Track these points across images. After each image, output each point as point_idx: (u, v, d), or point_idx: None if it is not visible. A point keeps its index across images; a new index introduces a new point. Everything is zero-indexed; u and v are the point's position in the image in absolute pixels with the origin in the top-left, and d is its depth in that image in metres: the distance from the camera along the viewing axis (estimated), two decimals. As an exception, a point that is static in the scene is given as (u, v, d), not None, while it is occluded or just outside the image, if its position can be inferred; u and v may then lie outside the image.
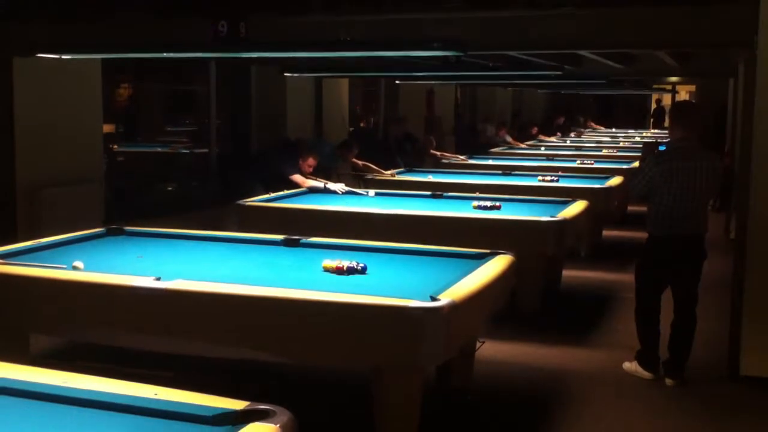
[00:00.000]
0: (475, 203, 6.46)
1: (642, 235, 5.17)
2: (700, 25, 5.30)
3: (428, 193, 7.23)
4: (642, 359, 4.91)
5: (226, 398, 2.28)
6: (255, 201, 6.53)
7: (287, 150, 7.72)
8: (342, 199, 6.92)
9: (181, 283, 3.72)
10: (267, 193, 6.86)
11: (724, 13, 5.10)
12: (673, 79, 16.26)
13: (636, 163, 8.83)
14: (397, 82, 12.66)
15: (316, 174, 7.66)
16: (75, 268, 4.03)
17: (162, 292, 3.67)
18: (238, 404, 2.24)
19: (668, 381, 4.80)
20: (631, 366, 4.95)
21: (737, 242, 4.94)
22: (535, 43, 5.94)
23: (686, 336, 4.87)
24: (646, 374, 4.88)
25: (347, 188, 7.27)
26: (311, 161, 7.48)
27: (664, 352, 4.89)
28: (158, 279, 3.74)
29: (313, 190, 7.25)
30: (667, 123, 18.29)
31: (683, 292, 4.86)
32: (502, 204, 6.52)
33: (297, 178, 7.32)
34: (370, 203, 6.69)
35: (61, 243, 4.73)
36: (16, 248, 4.47)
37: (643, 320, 4.96)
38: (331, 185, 7.25)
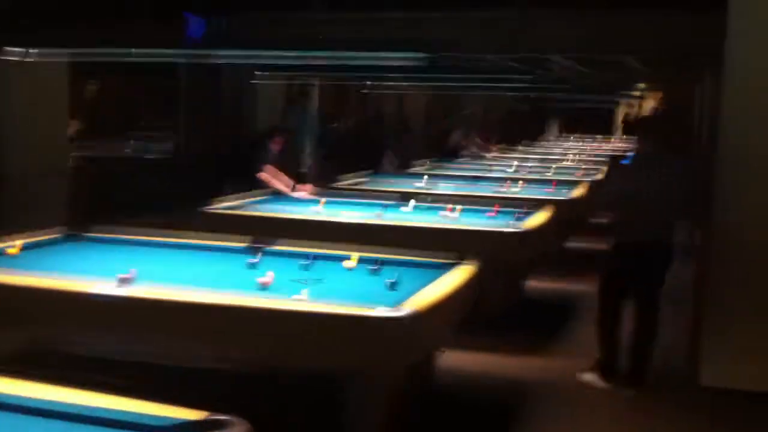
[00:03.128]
0: (443, 212, 6.46)
1: (603, 246, 5.23)
2: (668, 32, 5.37)
3: (392, 201, 7.22)
4: (601, 369, 4.96)
5: (183, 408, 2.25)
6: (218, 207, 6.48)
7: (258, 143, 7.70)
8: (305, 206, 6.88)
9: (142, 289, 3.69)
10: (233, 191, 6.84)
11: (691, 20, 5.17)
12: (640, 86, 16.45)
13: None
14: (367, 84, 12.65)
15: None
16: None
17: (123, 297, 3.63)
18: (196, 414, 2.22)
19: (627, 391, 4.85)
20: (589, 376, 4.99)
21: (699, 250, 5.01)
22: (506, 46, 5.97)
23: (645, 344, 4.92)
24: (604, 384, 4.92)
25: (309, 195, 7.25)
26: (277, 140, 7.47)
27: (624, 361, 4.94)
28: (119, 284, 3.70)
29: (277, 193, 7.22)
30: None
31: (644, 299, 4.91)
32: (464, 211, 6.55)
33: (263, 176, 7.29)
34: (333, 210, 6.66)
35: (25, 246, 4.65)
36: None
37: (603, 328, 5.01)
38: (296, 193, 7.24)
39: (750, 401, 4.64)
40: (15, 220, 5.83)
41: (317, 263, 4.56)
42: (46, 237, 4.92)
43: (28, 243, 4.72)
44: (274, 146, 7.49)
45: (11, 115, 6.34)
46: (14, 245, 4.02)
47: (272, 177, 7.36)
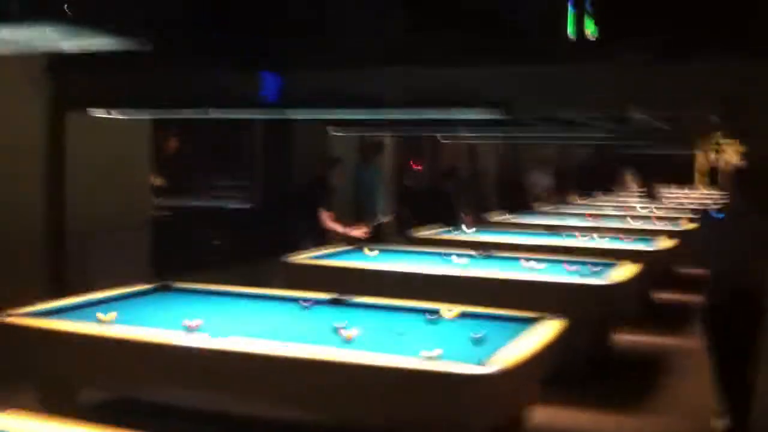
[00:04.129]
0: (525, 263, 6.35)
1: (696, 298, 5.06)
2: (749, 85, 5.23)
3: (473, 252, 7.15)
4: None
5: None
6: (300, 258, 6.52)
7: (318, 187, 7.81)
8: (387, 258, 6.87)
9: (231, 342, 3.70)
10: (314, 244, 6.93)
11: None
12: (719, 136, 16.03)
13: None
14: (441, 139, 12.68)
15: None
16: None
17: (213, 350, 3.65)
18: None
19: None
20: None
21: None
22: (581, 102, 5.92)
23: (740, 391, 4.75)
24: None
25: (363, 234, 7.31)
26: (339, 173, 7.71)
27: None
28: (209, 337, 3.73)
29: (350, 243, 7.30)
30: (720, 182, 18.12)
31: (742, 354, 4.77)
32: (547, 264, 6.44)
33: (324, 215, 7.42)
34: (416, 262, 6.61)
35: (110, 299, 4.75)
36: (64, 304, 4.49)
37: (720, 381, 4.83)
38: (353, 231, 7.33)
39: None
40: (103, 271, 5.96)
41: (399, 316, 4.51)
42: (134, 289, 5.02)
43: (118, 295, 4.82)
44: (338, 179, 7.63)
45: (96, 169, 6.54)
46: (109, 316, 4.14)
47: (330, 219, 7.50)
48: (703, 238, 4.89)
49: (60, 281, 5.95)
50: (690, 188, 21.37)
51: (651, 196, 16.33)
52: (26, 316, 4.16)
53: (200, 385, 3.73)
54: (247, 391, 3.67)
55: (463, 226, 9.20)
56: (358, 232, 7.44)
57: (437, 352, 3.53)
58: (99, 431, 2.49)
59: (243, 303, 4.92)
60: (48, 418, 2.65)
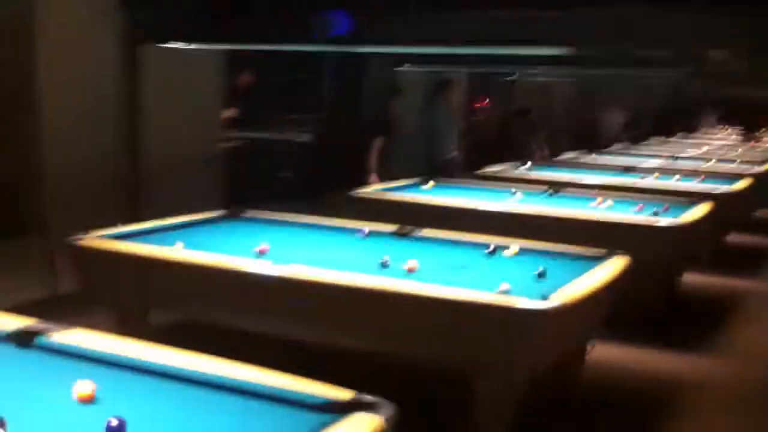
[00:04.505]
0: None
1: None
2: None
3: (543, 189, 7.08)
4: None
5: (332, 387, 2.28)
6: (365, 191, 6.58)
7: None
8: (452, 193, 6.86)
9: (294, 269, 3.79)
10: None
11: None
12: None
13: None
14: (508, 78, 12.47)
15: None
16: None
17: (276, 277, 3.74)
18: (344, 394, 2.24)
19: None
20: None
21: None
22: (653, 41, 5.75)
23: None
24: None
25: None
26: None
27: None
28: (273, 263, 3.82)
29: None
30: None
31: None
32: (618, 203, 6.33)
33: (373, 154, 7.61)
34: (481, 198, 6.59)
35: (182, 225, 4.89)
36: (139, 229, 4.64)
37: None
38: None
39: None
40: (175, 203, 6.13)
41: (461, 250, 4.52)
42: (206, 216, 5.16)
43: (189, 221, 4.97)
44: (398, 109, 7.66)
45: (173, 101, 6.66)
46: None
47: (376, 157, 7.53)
48: None
49: (135, 211, 6.14)
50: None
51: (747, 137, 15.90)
52: (100, 239, 4.32)
53: (263, 310, 3.83)
54: (308, 319, 3.75)
55: (529, 164, 9.08)
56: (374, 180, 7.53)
57: (505, 286, 3.52)
58: (168, 351, 2.60)
59: (308, 233, 4.99)
60: (120, 337, 2.77)
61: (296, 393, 2.26)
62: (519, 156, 9.49)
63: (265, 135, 9.89)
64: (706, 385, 4.68)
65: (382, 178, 7.73)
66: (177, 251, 4.16)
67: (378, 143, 7.80)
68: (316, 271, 3.78)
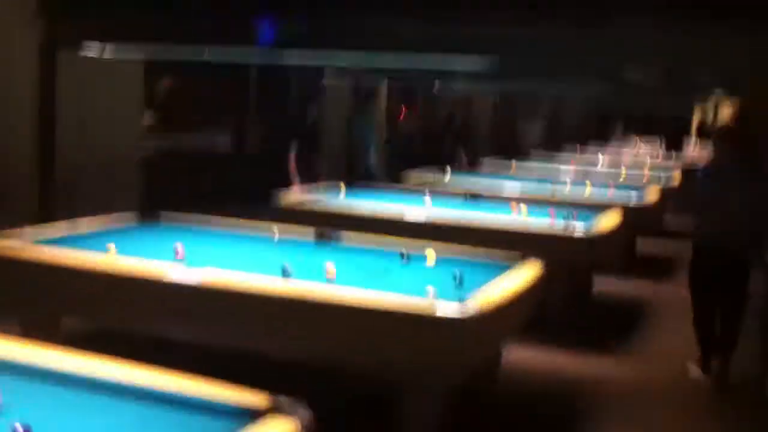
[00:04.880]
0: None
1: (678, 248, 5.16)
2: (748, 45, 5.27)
3: (462, 196, 7.19)
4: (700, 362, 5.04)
5: (247, 391, 2.28)
6: (287, 199, 6.57)
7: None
8: (375, 200, 6.91)
9: (210, 274, 3.75)
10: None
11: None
12: (717, 93, 15.99)
13: None
14: (434, 90, 12.65)
15: None
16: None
17: (192, 282, 3.71)
18: (259, 399, 2.24)
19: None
20: (692, 368, 5.05)
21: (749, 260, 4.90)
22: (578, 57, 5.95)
23: (726, 348, 4.95)
24: (701, 375, 4.98)
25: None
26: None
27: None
28: (188, 269, 3.78)
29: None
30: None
31: (727, 306, 4.98)
32: (534, 210, 6.49)
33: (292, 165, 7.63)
34: (401, 204, 6.66)
35: (96, 231, 4.79)
36: (53, 237, 4.53)
37: (697, 327, 5.07)
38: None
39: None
40: (94, 206, 6.01)
41: (381, 256, 4.57)
42: (122, 221, 5.06)
43: (105, 229, 4.87)
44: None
45: (91, 107, 6.54)
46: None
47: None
48: (688, 192, 5.02)
49: (50, 218, 5.98)
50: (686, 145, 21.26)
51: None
52: (9, 245, 4.20)
53: (178, 316, 3.79)
54: (223, 324, 3.72)
55: (449, 171, 9.21)
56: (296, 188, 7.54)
57: (432, 291, 3.55)
58: (76, 357, 2.55)
59: (225, 239, 4.96)
60: (31, 343, 2.71)
61: (209, 399, 2.24)
62: (446, 163, 9.61)
63: (186, 140, 9.75)
64: (618, 386, 4.83)
65: (305, 183, 7.70)
66: (88, 256, 4.07)
67: (295, 147, 7.75)
68: (231, 276, 3.75)
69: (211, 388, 2.31)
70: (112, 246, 4.20)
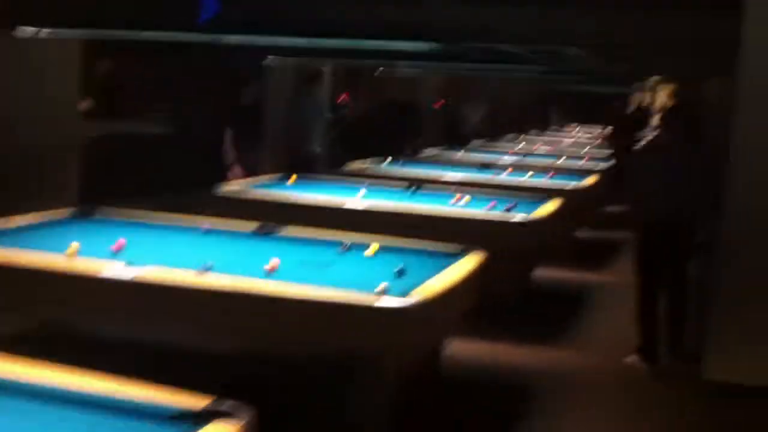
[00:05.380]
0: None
1: (618, 235, 5.27)
2: (683, 29, 5.38)
3: (404, 186, 7.21)
4: (642, 350, 5.14)
5: (187, 394, 2.24)
6: (228, 188, 6.50)
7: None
8: (317, 190, 6.89)
9: (149, 270, 3.69)
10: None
11: (707, 18, 5.17)
12: (654, 78, 16.36)
13: None
14: (377, 72, 12.61)
15: None
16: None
17: (130, 279, 3.64)
18: (199, 401, 2.21)
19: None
20: (631, 359, 5.13)
21: (705, 243, 5.02)
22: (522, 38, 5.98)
23: (677, 323, 5.12)
24: (645, 365, 5.09)
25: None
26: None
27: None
28: (127, 265, 3.71)
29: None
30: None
31: (672, 280, 5.13)
32: (475, 199, 6.54)
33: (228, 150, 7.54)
34: (346, 195, 6.65)
35: (31, 225, 4.67)
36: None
37: (641, 310, 5.18)
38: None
39: (752, 396, 4.64)
40: (26, 197, 5.84)
41: (323, 248, 4.56)
42: (55, 215, 4.94)
43: (38, 222, 4.74)
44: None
45: (23, 92, 6.34)
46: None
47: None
48: (630, 174, 5.17)
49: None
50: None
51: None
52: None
53: (117, 314, 3.72)
54: (164, 321, 3.67)
55: (389, 160, 9.21)
56: (237, 172, 7.44)
57: (384, 285, 3.53)
58: (5, 362, 2.48)
59: (166, 232, 4.88)
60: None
61: (147, 403, 2.20)
62: (397, 151, 9.58)
63: (126, 127, 9.55)
64: (560, 376, 4.93)
65: (245, 168, 7.58)
66: (20, 253, 3.96)
67: (229, 134, 7.61)
68: (171, 271, 3.70)
69: (152, 391, 2.27)
70: (75, 244, 4.06)
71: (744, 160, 4.75)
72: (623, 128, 10.05)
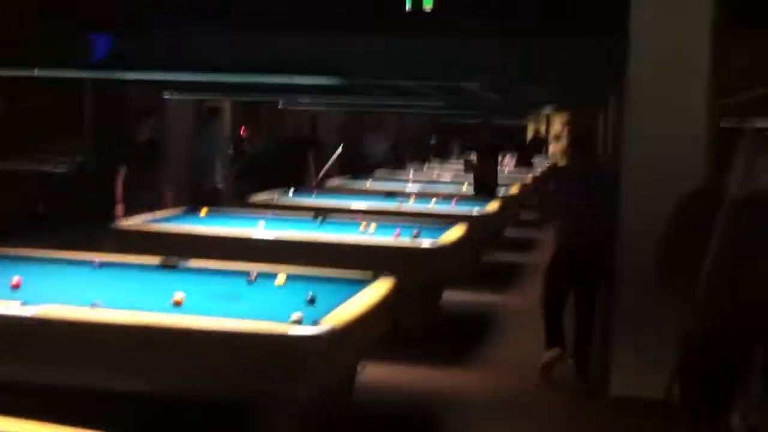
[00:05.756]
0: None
1: (520, 258, 5.37)
2: (575, 60, 5.61)
3: (311, 216, 7.18)
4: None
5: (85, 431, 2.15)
6: (130, 223, 6.32)
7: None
8: (222, 222, 6.78)
9: (47, 309, 3.54)
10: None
11: (595, 47, 5.40)
12: (547, 109, 17.01)
13: None
14: (280, 106, 12.61)
15: None
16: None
17: (27, 318, 3.47)
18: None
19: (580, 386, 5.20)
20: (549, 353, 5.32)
21: (607, 262, 5.17)
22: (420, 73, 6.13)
23: (583, 344, 5.26)
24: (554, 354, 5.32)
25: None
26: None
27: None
28: (24, 304, 3.54)
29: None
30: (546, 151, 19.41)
31: (581, 303, 5.32)
32: (381, 227, 6.58)
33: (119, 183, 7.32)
34: (252, 226, 6.57)
35: None
36: None
37: (548, 321, 5.38)
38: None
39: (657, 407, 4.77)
40: None
41: (230, 279, 4.48)
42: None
43: None
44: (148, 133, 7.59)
45: None
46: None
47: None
48: (545, 199, 5.42)
49: None
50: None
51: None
52: None
53: (15, 356, 3.54)
54: (67, 361, 3.51)
55: (298, 191, 9.18)
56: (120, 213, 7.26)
57: (298, 315, 3.48)
58: None
59: (65, 269, 4.70)
60: None
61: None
62: (294, 183, 9.53)
63: (18, 165, 9.20)
64: (469, 397, 4.96)
65: (138, 208, 7.36)
66: None
67: (122, 171, 7.39)
68: (71, 309, 3.56)
69: (40, 428, 2.16)
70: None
71: (633, 184, 4.95)
72: (489, 157, 10.46)
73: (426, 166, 16.06)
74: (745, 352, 3.31)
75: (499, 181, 10.64)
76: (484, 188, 10.04)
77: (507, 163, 19.78)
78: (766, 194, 3.37)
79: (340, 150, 11.45)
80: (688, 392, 3.45)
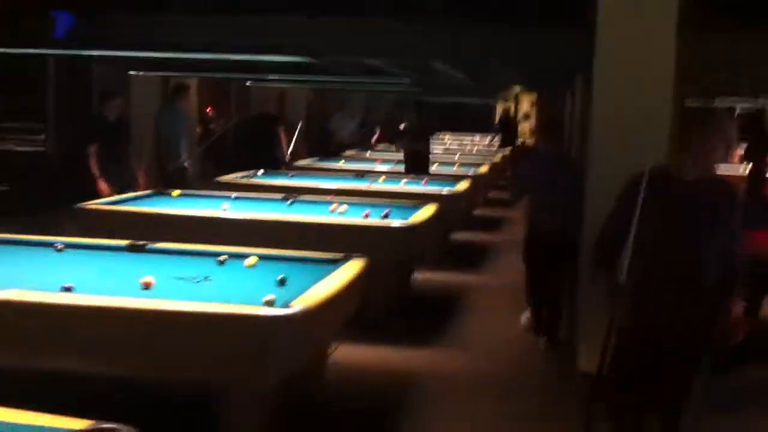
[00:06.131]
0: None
1: (489, 238, 5.41)
2: (543, 47, 5.66)
3: (280, 196, 7.14)
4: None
5: (67, 417, 2.13)
6: (94, 204, 6.23)
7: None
8: (191, 203, 6.72)
9: (12, 293, 3.48)
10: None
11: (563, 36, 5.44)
12: (516, 88, 17.04)
13: None
14: (248, 83, 12.50)
15: None
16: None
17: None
18: (80, 423, 2.10)
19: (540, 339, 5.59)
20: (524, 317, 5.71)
21: (574, 243, 5.22)
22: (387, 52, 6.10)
23: (554, 306, 5.59)
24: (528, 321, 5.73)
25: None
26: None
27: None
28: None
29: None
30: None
31: (552, 282, 5.56)
32: (351, 207, 6.56)
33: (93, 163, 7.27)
34: (220, 207, 6.52)
35: None
36: None
37: (529, 294, 5.70)
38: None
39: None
40: None
41: (200, 261, 4.44)
42: None
43: None
44: (112, 113, 7.50)
45: None
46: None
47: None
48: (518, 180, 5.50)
49: None
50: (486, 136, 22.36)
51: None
52: None
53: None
54: (33, 345, 3.47)
55: (266, 172, 9.11)
56: (102, 188, 7.20)
57: (271, 297, 3.46)
58: None
59: (29, 252, 4.63)
60: None
61: (25, 428, 2.08)
62: (262, 164, 9.43)
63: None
64: (440, 377, 4.99)
65: (112, 183, 7.30)
66: None
67: (93, 149, 7.32)
68: (37, 294, 3.51)
69: (30, 416, 2.14)
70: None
71: (598, 165, 4.97)
72: (419, 134, 10.67)
73: (395, 145, 16.01)
74: (671, 352, 3.23)
75: (468, 160, 10.68)
76: (416, 166, 10.12)
77: (478, 142, 19.85)
78: (698, 182, 3.22)
79: (300, 126, 11.34)
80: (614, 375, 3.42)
